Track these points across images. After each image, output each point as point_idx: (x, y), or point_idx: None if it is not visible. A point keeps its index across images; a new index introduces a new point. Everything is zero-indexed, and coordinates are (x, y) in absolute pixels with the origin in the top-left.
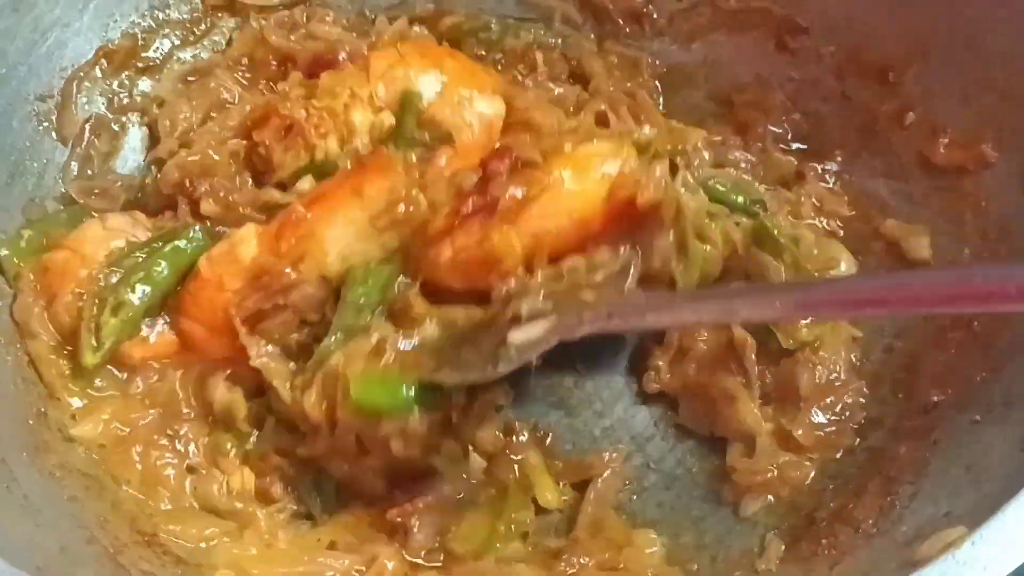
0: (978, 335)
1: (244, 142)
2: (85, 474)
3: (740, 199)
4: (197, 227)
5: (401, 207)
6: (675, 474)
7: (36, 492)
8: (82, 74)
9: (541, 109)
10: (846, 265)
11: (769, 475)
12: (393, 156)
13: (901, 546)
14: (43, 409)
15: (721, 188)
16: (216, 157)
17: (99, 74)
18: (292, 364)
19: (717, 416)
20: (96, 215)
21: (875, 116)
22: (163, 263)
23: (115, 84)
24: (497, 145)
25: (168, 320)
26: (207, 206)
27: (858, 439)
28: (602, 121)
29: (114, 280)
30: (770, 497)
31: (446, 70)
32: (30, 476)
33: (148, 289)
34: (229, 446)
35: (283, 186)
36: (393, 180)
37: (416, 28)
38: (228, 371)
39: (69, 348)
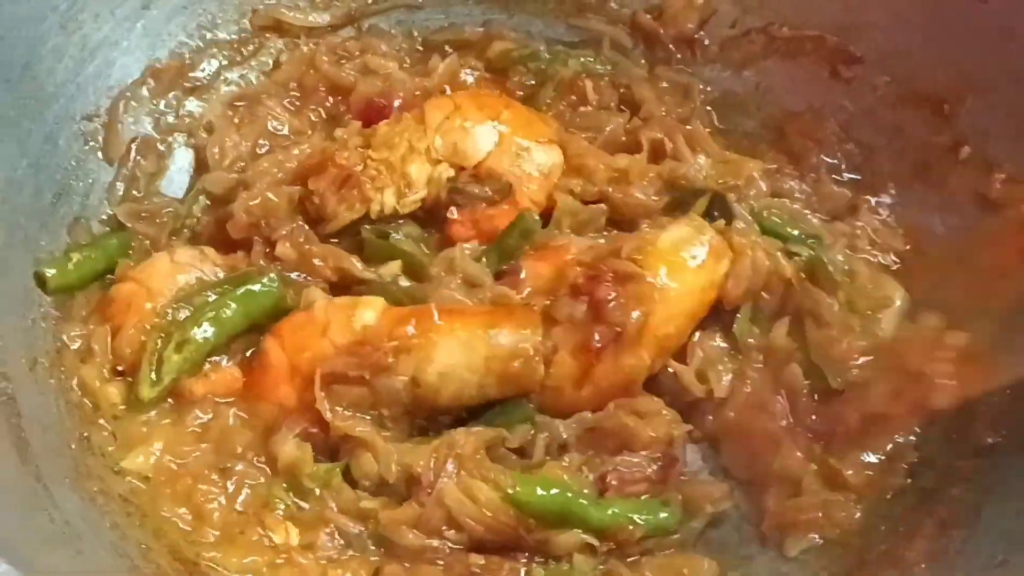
0: None
1: (298, 187)
2: (126, 500)
3: (796, 232)
4: (273, 274)
5: (517, 364)
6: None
7: (77, 518)
8: (129, 94)
9: (593, 155)
10: (900, 302)
11: (813, 514)
12: (536, 315)
13: None
14: (86, 434)
15: (777, 220)
16: (275, 199)
17: (146, 93)
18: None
19: (757, 460)
20: (164, 250)
21: (929, 149)
22: (233, 305)
23: (162, 104)
24: (581, 270)
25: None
26: (284, 250)
27: (909, 479)
28: (657, 150)
29: (181, 316)
30: (816, 537)
31: (503, 120)
32: (71, 502)
33: (215, 330)
34: (279, 502)
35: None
36: (526, 338)
37: (469, 67)
38: (298, 428)
39: (124, 377)
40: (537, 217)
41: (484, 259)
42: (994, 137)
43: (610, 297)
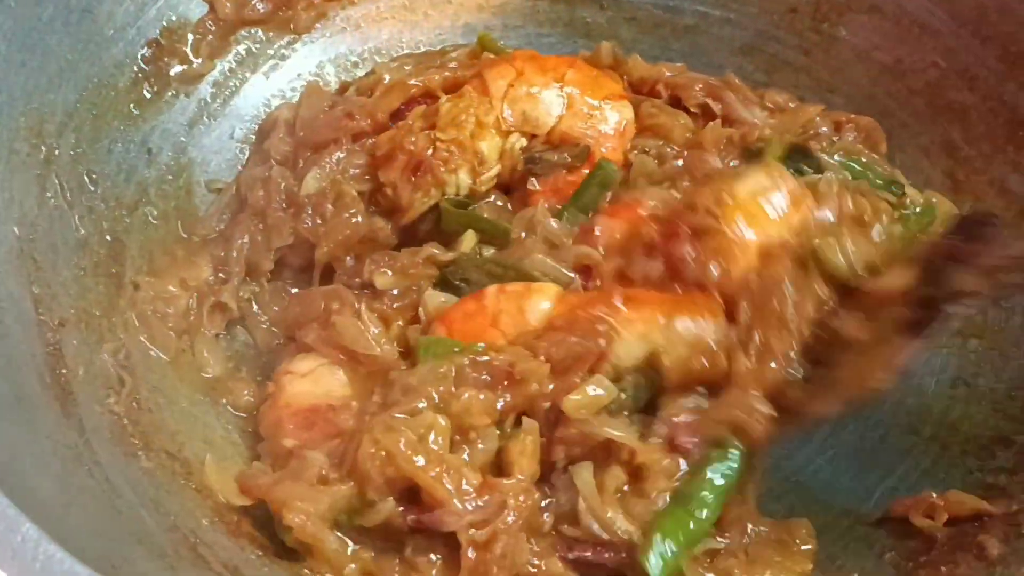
0: None
1: (368, 183)
2: (170, 455)
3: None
4: None
5: (700, 356)
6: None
7: (117, 475)
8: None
9: (667, 113)
10: None
11: None
12: (718, 304)
13: None
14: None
15: (856, 166)
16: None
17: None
18: None
19: None
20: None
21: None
22: None
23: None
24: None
25: None
26: (384, 280)
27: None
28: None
29: None
30: None
31: (569, 81)
32: (114, 456)
33: None
34: None
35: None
36: (709, 328)
37: None
38: None
39: None
40: (616, 168)
41: (565, 215)
42: None
43: (687, 254)
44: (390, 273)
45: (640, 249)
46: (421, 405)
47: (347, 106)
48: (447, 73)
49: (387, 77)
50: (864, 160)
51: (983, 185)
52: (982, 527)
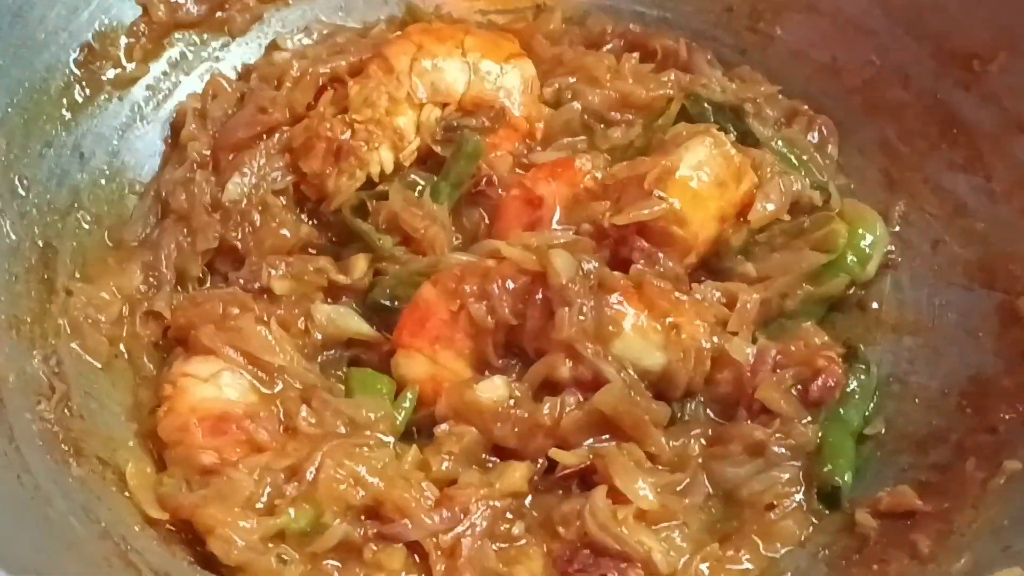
0: None
1: (290, 177)
2: (102, 461)
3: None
4: None
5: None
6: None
7: (48, 482)
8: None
9: (590, 55)
10: None
11: None
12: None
13: None
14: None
15: (792, 160)
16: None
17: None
18: None
19: None
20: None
21: (958, 106)
22: None
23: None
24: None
25: None
26: (283, 286)
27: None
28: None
29: None
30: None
31: (468, 47)
32: (43, 463)
33: None
34: None
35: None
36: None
37: None
38: None
39: None
40: (477, 138)
41: (440, 191)
42: None
43: (636, 250)
44: (288, 279)
45: (589, 228)
46: (387, 440)
47: (258, 100)
48: (352, 58)
49: (296, 65)
50: (805, 158)
51: (918, 183)
52: (914, 525)
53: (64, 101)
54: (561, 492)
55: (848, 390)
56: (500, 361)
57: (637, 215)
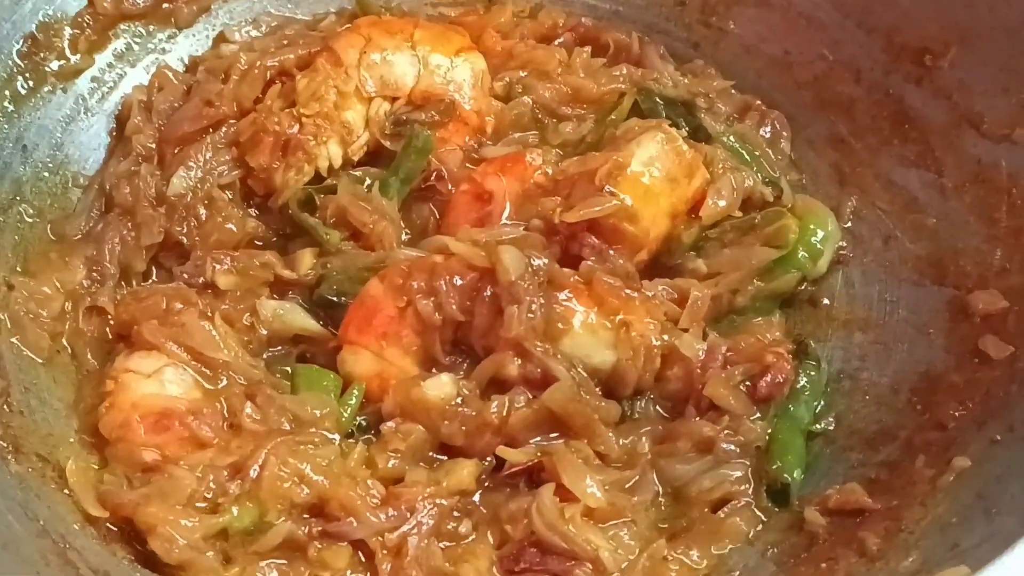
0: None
1: (236, 172)
2: (42, 458)
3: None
4: None
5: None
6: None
7: None
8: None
9: (542, 48)
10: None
11: None
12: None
13: None
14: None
15: (744, 156)
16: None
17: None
18: None
19: None
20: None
21: (909, 101)
22: None
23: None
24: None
25: None
26: (228, 280)
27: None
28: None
29: None
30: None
31: (417, 40)
32: None
33: None
34: None
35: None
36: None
37: None
38: None
39: None
40: (427, 132)
41: (390, 186)
42: (977, 90)
43: (586, 247)
44: (233, 273)
45: (540, 224)
46: (333, 437)
47: (205, 93)
48: (300, 51)
49: (243, 57)
50: (757, 153)
51: (869, 178)
52: (863, 522)
53: (7, 93)
54: (509, 490)
55: (798, 386)
56: (448, 358)
57: (588, 212)
